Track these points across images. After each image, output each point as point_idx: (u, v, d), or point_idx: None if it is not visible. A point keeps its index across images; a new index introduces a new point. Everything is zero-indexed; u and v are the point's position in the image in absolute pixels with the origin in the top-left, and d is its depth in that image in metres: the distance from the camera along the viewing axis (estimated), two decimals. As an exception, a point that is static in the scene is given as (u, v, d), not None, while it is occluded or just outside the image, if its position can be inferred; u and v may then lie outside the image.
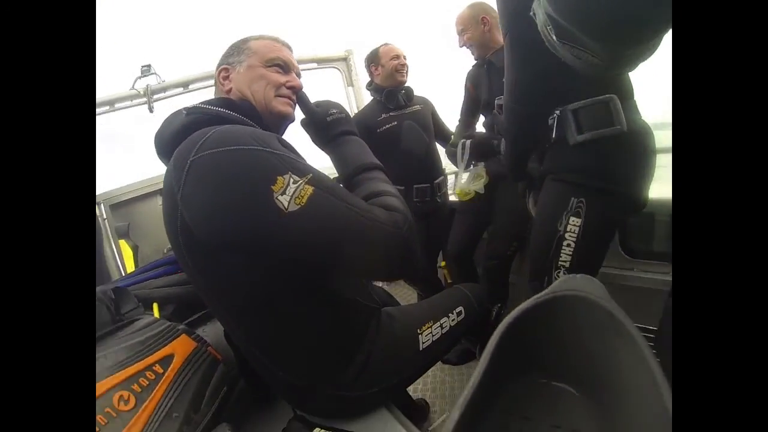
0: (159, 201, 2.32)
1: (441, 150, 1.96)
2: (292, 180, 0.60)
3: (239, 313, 0.73)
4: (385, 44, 1.82)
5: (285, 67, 0.86)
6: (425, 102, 1.92)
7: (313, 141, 0.94)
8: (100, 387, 0.67)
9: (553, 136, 1.04)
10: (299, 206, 0.59)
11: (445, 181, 1.94)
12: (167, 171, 0.67)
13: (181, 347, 0.79)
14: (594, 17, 0.68)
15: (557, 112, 1.03)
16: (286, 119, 0.87)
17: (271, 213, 0.58)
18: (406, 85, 1.83)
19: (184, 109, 0.76)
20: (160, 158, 0.79)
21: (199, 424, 0.72)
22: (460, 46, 1.70)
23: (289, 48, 0.89)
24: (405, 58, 1.80)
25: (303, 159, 0.69)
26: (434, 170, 1.88)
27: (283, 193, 0.58)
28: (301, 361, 0.78)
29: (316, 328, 0.77)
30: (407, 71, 1.81)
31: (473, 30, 1.62)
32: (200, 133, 0.63)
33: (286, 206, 0.58)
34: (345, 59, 2.45)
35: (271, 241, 0.61)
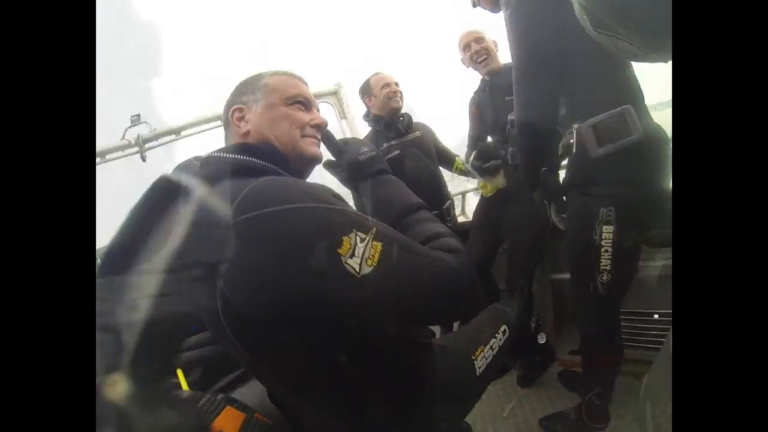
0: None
1: (446, 174, 1.96)
2: (358, 239, 0.54)
3: (299, 382, 0.67)
4: (376, 74, 1.84)
5: (307, 104, 0.80)
6: (425, 128, 1.92)
7: (341, 182, 0.88)
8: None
9: (574, 150, 1.07)
10: (372, 267, 0.53)
11: (453, 204, 1.93)
12: None
13: (228, 422, 0.72)
14: (627, 10, 0.68)
15: (575, 127, 1.05)
16: (315, 161, 0.80)
17: (342, 280, 0.52)
18: (403, 111, 1.83)
19: (196, 159, 0.68)
20: None
21: None
22: (477, 59, 1.70)
23: (305, 83, 0.83)
24: (397, 85, 1.81)
25: (353, 209, 0.63)
26: (441, 196, 1.87)
27: (352, 255, 0.52)
28: (370, 414, 0.71)
29: (383, 379, 0.72)
30: (401, 97, 1.82)
31: (488, 41, 1.68)
32: (229, 189, 0.55)
33: (358, 270, 0.52)
34: (335, 93, 2.45)
35: (344, 309, 0.54)
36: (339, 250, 0.52)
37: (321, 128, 0.81)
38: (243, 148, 0.69)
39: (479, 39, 1.68)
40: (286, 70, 0.84)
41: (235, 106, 0.77)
